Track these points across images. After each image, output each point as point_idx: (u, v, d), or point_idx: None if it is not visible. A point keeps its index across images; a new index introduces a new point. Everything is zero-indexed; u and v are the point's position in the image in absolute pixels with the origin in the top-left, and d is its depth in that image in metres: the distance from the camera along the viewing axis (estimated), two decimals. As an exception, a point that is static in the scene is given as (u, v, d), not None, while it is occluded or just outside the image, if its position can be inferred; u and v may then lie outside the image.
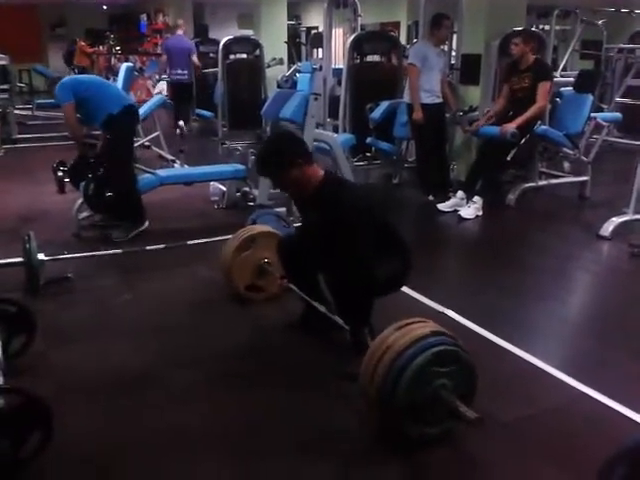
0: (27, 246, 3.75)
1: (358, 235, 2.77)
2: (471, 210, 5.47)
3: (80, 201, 4.89)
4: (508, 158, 5.59)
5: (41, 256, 3.78)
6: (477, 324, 3.39)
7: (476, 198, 5.50)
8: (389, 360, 2.24)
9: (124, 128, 4.87)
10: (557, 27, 9.43)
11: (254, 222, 4.28)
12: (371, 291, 2.86)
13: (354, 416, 2.60)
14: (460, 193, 5.69)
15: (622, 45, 9.63)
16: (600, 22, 9.64)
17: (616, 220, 4.94)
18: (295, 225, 4.34)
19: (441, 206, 5.71)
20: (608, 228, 4.91)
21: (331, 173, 3.00)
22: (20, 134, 9.52)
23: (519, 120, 5.51)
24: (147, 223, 4.95)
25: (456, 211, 5.59)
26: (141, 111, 6.27)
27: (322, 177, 2.89)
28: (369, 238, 2.81)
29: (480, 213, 5.49)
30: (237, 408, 2.68)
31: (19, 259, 3.77)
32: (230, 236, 3.96)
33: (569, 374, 2.89)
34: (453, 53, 7.00)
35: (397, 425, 2.31)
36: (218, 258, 3.72)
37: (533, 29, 7.51)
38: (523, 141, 5.59)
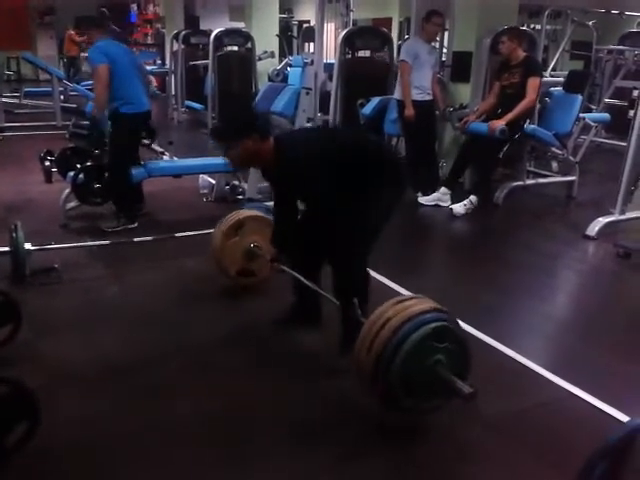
0: (14, 235, 3.73)
1: (312, 182, 2.77)
2: (462, 207, 5.50)
3: (67, 191, 4.87)
4: (500, 155, 5.63)
5: (28, 246, 3.76)
6: (462, 320, 3.39)
7: (472, 197, 5.54)
8: (389, 331, 2.25)
9: (122, 131, 4.80)
10: (548, 27, 9.48)
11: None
12: (362, 229, 2.87)
13: (343, 409, 2.62)
14: (443, 189, 5.75)
15: (612, 46, 9.70)
16: (590, 23, 9.69)
17: (602, 220, 4.98)
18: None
19: (422, 199, 5.77)
20: (594, 228, 4.95)
21: (278, 136, 2.96)
22: (7, 123, 9.43)
23: (508, 116, 5.53)
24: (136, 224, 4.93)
25: (437, 206, 5.66)
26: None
27: (273, 145, 2.86)
28: (323, 180, 2.77)
29: (470, 211, 5.53)
30: (224, 399, 2.69)
31: (5, 248, 3.75)
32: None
33: (553, 372, 2.92)
34: (444, 50, 7.02)
35: (391, 397, 2.30)
36: (206, 250, 3.72)
37: (524, 28, 7.53)
38: (516, 137, 5.63)
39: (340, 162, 2.83)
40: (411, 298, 2.42)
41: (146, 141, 5.41)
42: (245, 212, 3.77)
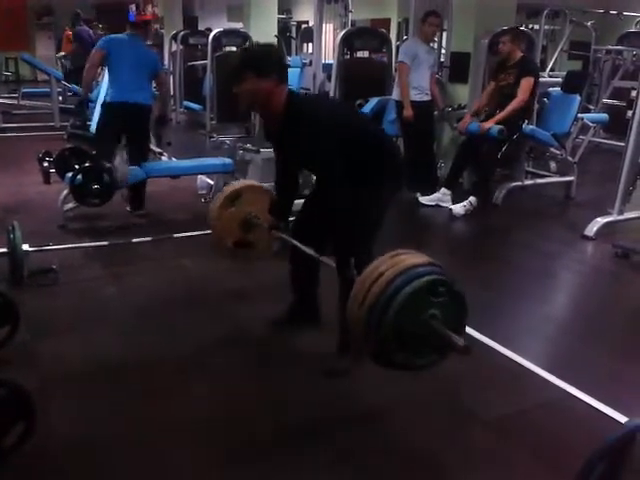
0: (11, 236, 3.72)
1: (322, 151, 2.67)
2: (461, 208, 5.51)
3: (65, 192, 4.86)
4: (498, 156, 5.63)
5: (26, 247, 3.75)
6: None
7: (472, 199, 5.54)
8: (384, 282, 2.16)
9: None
10: (546, 27, 9.49)
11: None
12: (363, 212, 2.77)
13: (344, 409, 2.62)
14: (444, 189, 5.76)
15: (610, 46, 9.70)
16: (589, 23, 9.70)
17: (600, 220, 4.98)
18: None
19: (423, 199, 5.77)
20: (592, 228, 4.95)
21: (295, 92, 2.88)
22: (5, 123, 9.42)
23: (499, 115, 5.56)
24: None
25: (438, 206, 5.67)
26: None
27: (287, 96, 2.75)
28: (334, 151, 2.67)
29: (469, 212, 5.53)
30: (223, 400, 2.69)
31: (3, 249, 3.74)
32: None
33: (552, 372, 2.92)
34: (443, 51, 7.02)
35: (383, 350, 2.21)
36: (205, 251, 3.71)
37: (522, 28, 7.53)
38: (515, 137, 5.64)
39: (354, 142, 2.74)
40: (406, 252, 2.32)
41: (154, 147, 5.48)
42: (243, 182, 3.69)
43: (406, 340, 2.18)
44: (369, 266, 2.27)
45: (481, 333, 3.29)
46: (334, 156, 2.65)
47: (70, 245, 4.30)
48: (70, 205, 4.93)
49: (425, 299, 2.17)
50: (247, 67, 2.69)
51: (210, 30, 10.27)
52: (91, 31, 12.45)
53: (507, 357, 3.09)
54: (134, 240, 4.47)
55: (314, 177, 3.01)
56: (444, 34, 6.92)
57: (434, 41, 6.64)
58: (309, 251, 2.90)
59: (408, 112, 5.73)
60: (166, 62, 11.31)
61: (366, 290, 2.18)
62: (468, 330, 3.30)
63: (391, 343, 2.17)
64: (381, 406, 2.69)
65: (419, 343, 2.21)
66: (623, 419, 2.52)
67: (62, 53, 14.97)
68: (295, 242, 3.00)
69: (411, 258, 2.25)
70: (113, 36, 5.24)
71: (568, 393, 2.77)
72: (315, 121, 2.67)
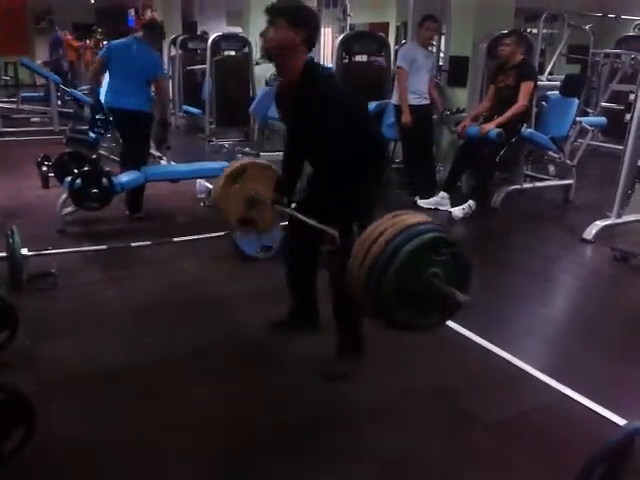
0: (10, 241, 3.72)
1: (330, 128, 2.65)
2: (460, 211, 5.52)
3: (64, 196, 4.86)
4: (497, 160, 5.64)
5: (24, 251, 3.75)
6: (461, 325, 3.41)
7: (471, 202, 5.55)
8: (383, 242, 2.12)
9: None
10: (544, 31, 9.50)
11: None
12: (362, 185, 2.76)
13: (343, 411, 2.62)
14: (442, 193, 5.77)
15: (608, 50, 9.72)
16: (587, 27, 9.72)
17: (599, 224, 4.99)
18: (281, 224, 4.33)
19: (422, 203, 5.78)
20: (591, 231, 4.96)
21: (315, 61, 2.88)
22: (5, 127, 9.43)
23: (499, 119, 5.57)
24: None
25: (437, 209, 5.68)
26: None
27: (308, 62, 2.76)
28: (340, 126, 2.66)
29: (468, 215, 5.54)
30: (223, 402, 2.69)
31: (2, 254, 3.75)
32: (216, 234, 3.95)
33: (551, 376, 2.92)
34: (441, 55, 7.03)
35: (384, 308, 2.16)
36: (204, 254, 3.71)
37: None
38: (513, 141, 5.65)
39: (356, 133, 2.72)
40: (406, 213, 2.27)
41: (153, 151, 5.53)
42: (247, 159, 3.66)
43: (407, 298, 2.13)
44: (369, 227, 2.23)
45: (480, 336, 3.29)
46: (341, 137, 2.65)
47: (69, 249, 4.30)
48: (69, 209, 4.94)
49: (427, 257, 2.12)
50: (284, 14, 2.68)
51: (206, 34, 10.28)
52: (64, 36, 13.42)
53: (506, 360, 3.09)
54: (133, 244, 4.47)
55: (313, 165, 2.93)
56: (443, 38, 6.94)
57: (432, 45, 6.65)
58: (311, 222, 2.80)
59: (406, 118, 5.74)
60: (165, 66, 11.33)
61: (365, 250, 2.14)
62: (466, 333, 3.33)
63: (392, 301, 2.12)
64: (380, 407, 2.69)
65: (421, 302, 2.17)
66: (622, 422, 2.53)
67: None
68: (298, 215, 2.94)
69: (411, 217, 2.21)
70: (116, 42, 5.26)
71: (567, 396, 2.78)
72: (330, 97, 2.69)
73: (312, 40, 2.73)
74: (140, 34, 5.28)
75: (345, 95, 2.81)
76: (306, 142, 2.86)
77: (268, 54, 2.89)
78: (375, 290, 2.11)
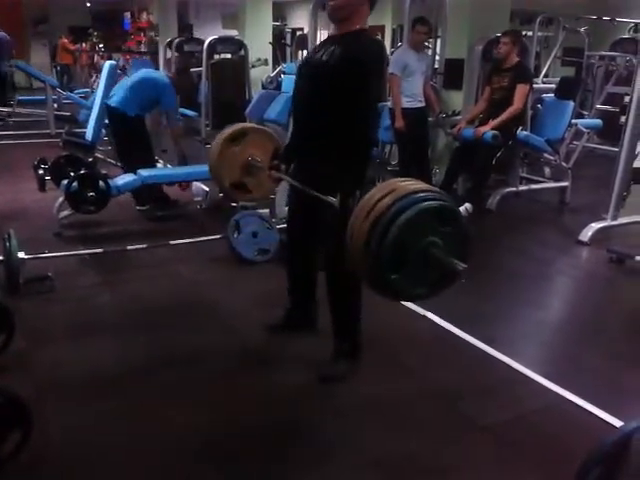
0: (7, 244, 3.71)
1: (369, 82, 2.63)
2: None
3: (61, 199, 4.86)
4: (493, 162, 5.65)
5: (21, 254, 3.75)
6: (459, 327, 3.42)
7: (467, 205, 5.56)
8: (396, 196, 2.04)
9: None
10: (540, 34, 9.51)
11: (237, 223, 4.29)
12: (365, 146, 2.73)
13: (343, 419, 2.62)
14: None
15: (603, 52, 9.76)
16: (582, 29, 9.74)
17: (595, 226, 5.00)
18: (278, 226, 4.34)
19: None
20: (587, 233, 4.97)
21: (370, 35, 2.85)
22: (1, 131, 9.41)
23: (494, 122, 5.59)
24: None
25: None
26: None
27: (365, 27, 2.79)
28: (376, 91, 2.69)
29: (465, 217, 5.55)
30: (222, 409, 2.68)
31: (-1, 257, 3.75)
32: (213, 237, 3.93)
33: (548, 378, 2.93)
34: (437, 57, 7.04)
35: (380, 268, 2.07)
36: (200, 258, 3.71)
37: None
38: (509, 143, 5.66)
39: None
40: (419, 182, 2.20)
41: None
42: (249, 124, 3.57)
43: (405, 260, 2.06)
44: (377, 186, 2.16)
45: (477, 339, 3.30)
46: (374, 99, 2.68)
47: (66, 252, 4.29)
48: (66, 212, 4.93)
49: (432, 223, 2.06)
50: None
51: (191, 34, 10.22)
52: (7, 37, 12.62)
53: (504, 362, 3.10)
54: (129, 247, 4.46)
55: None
56: (438, 41, 6.95)
57: (428, 48, 6.65)
58: (309, 190, 2.72)
59: (399, 123, 5.74)
60: (161, 69, 11.32)
61: (372, 205, 2.06)
62: (464, 336, 3.34)
63: (389, 262, 2.04)
64: (378, 408, 2.69)
65: (417, 268, 2.09)
66: (619, 423, 2.53)
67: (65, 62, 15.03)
68: (293, 181, 2.89)
69: (421, 184, 2.16)
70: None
71: (565, 398, 2.78)
72: (378, 62, 2.73)
73: (373, 4, 2.77)
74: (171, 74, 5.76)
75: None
76: (322, 95, 2.72)
77: (338, 12, 2.77)
78: (377, 245, 2.02)
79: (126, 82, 5.48)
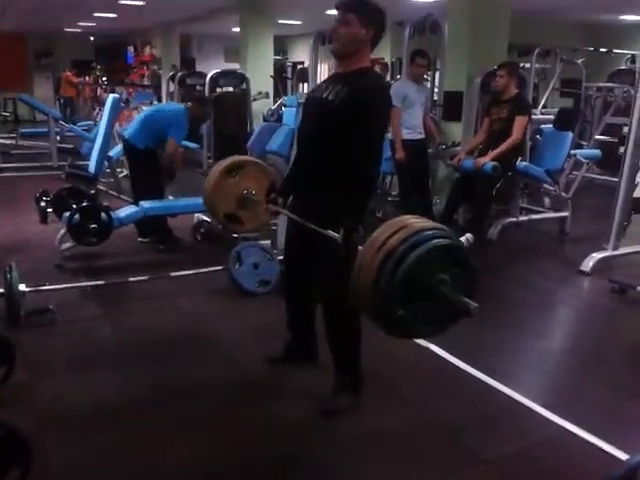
0: (8, 277, 3.72)
1: (374, 123, 2.65)
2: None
3: (63, 231, 4.87)
4: (493, 192, 5.68)
5: (22, 287, 3.75)
6: (460, 359, 3.40)
7: (469, 235, 5.57)
8: (408, 233, 2.06)
9: None
10: (537, 65, 9.62)
11: (238, 254, 4.29)
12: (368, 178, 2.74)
13: (342, 445, 2.60)
14: None
15: (601, 84, 9.84)
16: (579, 61, 9.86)
17: (596, 256, 5.01)
18: (279, 258, 4.34)
19: None
20: (588, 263, 4.97)
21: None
22: (3, 163, 9.48)
23: (494, 153, 5.63)
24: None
25: None
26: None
27: (369, 65, 2.79)
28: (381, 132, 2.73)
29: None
30: (223, 442, 2.66)
31: (0, 290, 3.74)
32: (214, 268, 3.93)
33: (550, 409, 2.91)
34: (436, 90, 7.11)
35: (387, 303, 2.06)
36: (202, 290, 3.70)
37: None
38: (509, 174, 5.70)
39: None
40: (425, 219, 2.22)
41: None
42: (245, 156, 3.58)
43: (413, 298, 2.06)
44: (389, 221, 2.17)
45: (479, 370, 3.28)
46: (380, 134, 2.71)
47: (67, 285, 4.29)
48: (67, 244, 4.95)
49: (442, 260, 2.07)
50: (355, 10, 2.69)
51: (194, 68, 10.29)
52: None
53: (506, 394, 3.07)
54: (131, 279, 4.47)
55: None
56: (437, 73, 7.03)
57: (427, 80, 6.72)
58: (309, 225, 2.71)
59: (400, 154, 5.78)
60: (164, 102, 11.45)
61: (383, 240, 2.06)
62: (466, 367, 3.32)
63: (398, 298, 2.04)
64: (379, 441, 2.67)
65: (425, 305, 2.10)
66: (624, 456, 2.49)
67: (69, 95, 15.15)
68: (292, 215, 2.88)
69: (433, 223, 2.18)
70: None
71: (568, 430, 2.76)
72: (384, 95, 2.73)
73: (378, 38, 2.76)
74: (189, 104, 5.93)
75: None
76: (327, 133, 2.73)
77: (340, 47, 2.76)
78: (386, 281, 2.02)
79: (140, 115, 5.67)
